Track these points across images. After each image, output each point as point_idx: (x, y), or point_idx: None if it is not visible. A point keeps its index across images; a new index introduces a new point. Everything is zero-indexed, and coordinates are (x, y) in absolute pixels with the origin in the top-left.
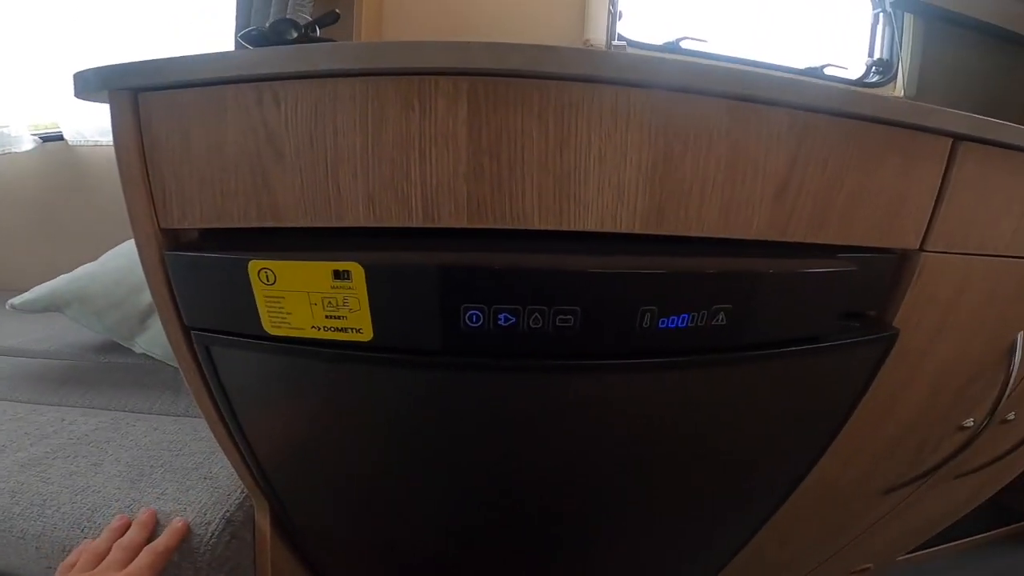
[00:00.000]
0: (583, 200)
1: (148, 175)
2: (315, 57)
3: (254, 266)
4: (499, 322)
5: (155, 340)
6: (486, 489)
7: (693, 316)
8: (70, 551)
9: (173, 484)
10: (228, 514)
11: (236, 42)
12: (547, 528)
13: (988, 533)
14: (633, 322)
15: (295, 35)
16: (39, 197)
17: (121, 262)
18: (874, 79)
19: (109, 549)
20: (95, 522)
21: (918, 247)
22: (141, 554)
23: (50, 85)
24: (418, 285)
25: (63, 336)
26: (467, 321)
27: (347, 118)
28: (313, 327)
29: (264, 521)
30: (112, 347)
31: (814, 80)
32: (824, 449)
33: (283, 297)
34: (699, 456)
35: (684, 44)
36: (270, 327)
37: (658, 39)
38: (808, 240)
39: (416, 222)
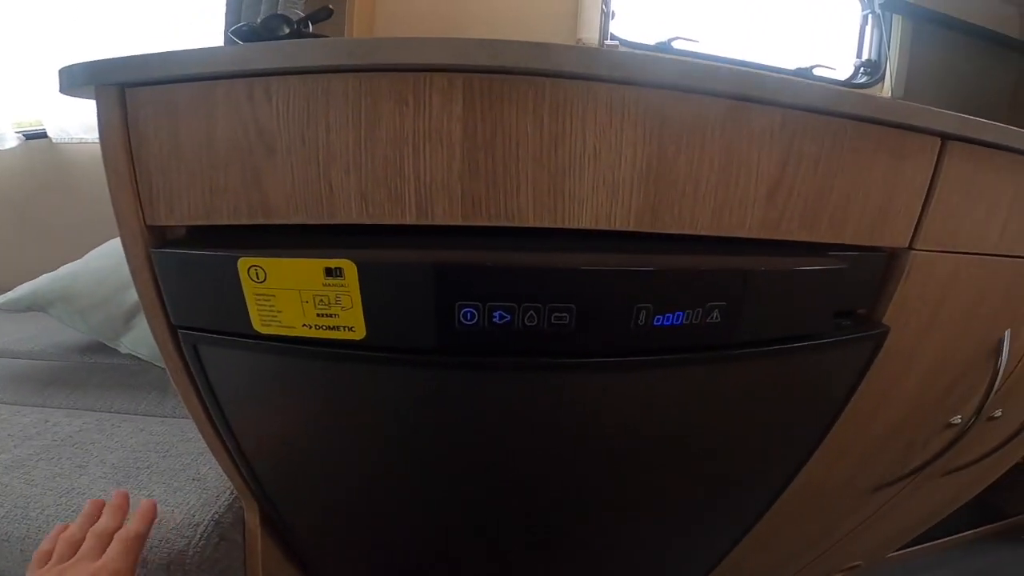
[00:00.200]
0: (578, 197)
1: (135, 171)
2: (308, 52)
3: (244, 263)
4: (494, 320)
5: (141, 340)
6: (479, 489)
7: (688, 314)
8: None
9: (160, 486)
10: (217, 516)
11: (226, 38)
12: (540, 527)
13: (974, 530)
14: (628, 320)
15: (287, 31)
16: (22, 195)
17: (106, 261)
18: (862, 80)
19: (84, 536)
20: None
21: (907, 246)
22: (115, 542)
23: (34, 82)
24: (412, 282)
25: (47, 336)
26: (461, 319)
27: (340, 114)
28: (304, 325)
29: (254, 522)
30: (97, 347)
31: (806, 80)
32: (815, 447)
33: (273, 295)
34: (693, 455)
35: (676, 44)
36: (260, 326)
37: (650, 39)
38: (800, 239)
39: (410, 219)
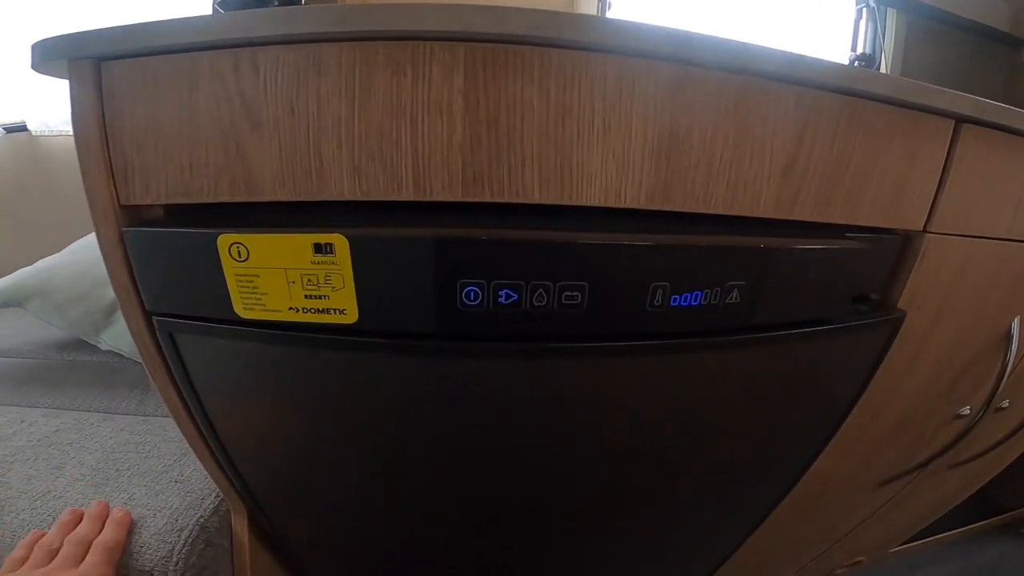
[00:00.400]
0: (586, 173)
1: (108, 148)
2: (298, 20)
3: (224, 240)
4: (500, 300)
5: (122, 336)
6: (483, 484)
7: (707, 293)
8: None
9: (142, 488)
10: (202, 519)
11: (214, 8)
12: (546, 524)
13: (975, 525)
14: (644, 299)
15: (276, 2)
16: (1, 190)
17: (85, 254)
18: None
19: (61, 544)
20: None
21: (922, 228)
22: (92, 550)
23: (13, 74)
24: (410, 259)
25: (24, 333)
26: (464, 299)
27: (332, 84)
28: (291, 309)
29: (242, 526)
30: (76, 344)
31: (822, 60)
32: (829, 438)
33: (257, 275)
34: (709, 444)
35: None
36: (242, 310)
37: None
38: (815, 219)
39: (406, 195)
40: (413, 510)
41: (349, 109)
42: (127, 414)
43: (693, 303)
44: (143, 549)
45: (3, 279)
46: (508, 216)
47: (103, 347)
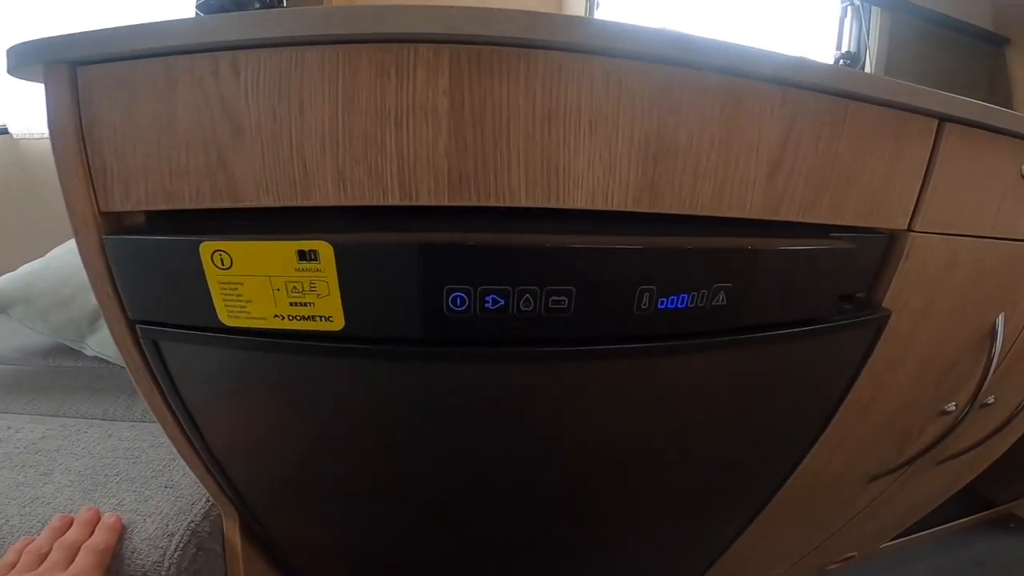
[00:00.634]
0: (573, 175)
1: (86, 155)
2: (279, 23)
3: (207, 248)
4: (486, 305)
5: (107, 342)
6: (472, 487)
7: (693, 296)
8: None
9: (131, 494)
10: (193, 524)
11: (196, 13)
12: (537, 525)
13: (965, 519)
14: (631, 303)
15: (258, 5)
16: None
17: (68, 259)
18: None
19: (50, 548)
20: None
21: (906, 228)
22: (82, 553)
23: None
24: (395, 265)
25: (7, 339)
26: (451, 305)
27: (315, 88)
28: (276, 316)
29: (233, 531)
30: (61, 350)
31: (807, 60)
32: (819, 435)
33: (241, 283)
34: (699, 445)
35: None
36: (227, 318)
37: None
38: (801, 219)
39: (392, 200)
40: (403, 513)
41: (332, 113)
42: (114, 420)
43: (680, 306)
44: (134, 555)
45: None
46: (495, 219)
47: (88, 353)
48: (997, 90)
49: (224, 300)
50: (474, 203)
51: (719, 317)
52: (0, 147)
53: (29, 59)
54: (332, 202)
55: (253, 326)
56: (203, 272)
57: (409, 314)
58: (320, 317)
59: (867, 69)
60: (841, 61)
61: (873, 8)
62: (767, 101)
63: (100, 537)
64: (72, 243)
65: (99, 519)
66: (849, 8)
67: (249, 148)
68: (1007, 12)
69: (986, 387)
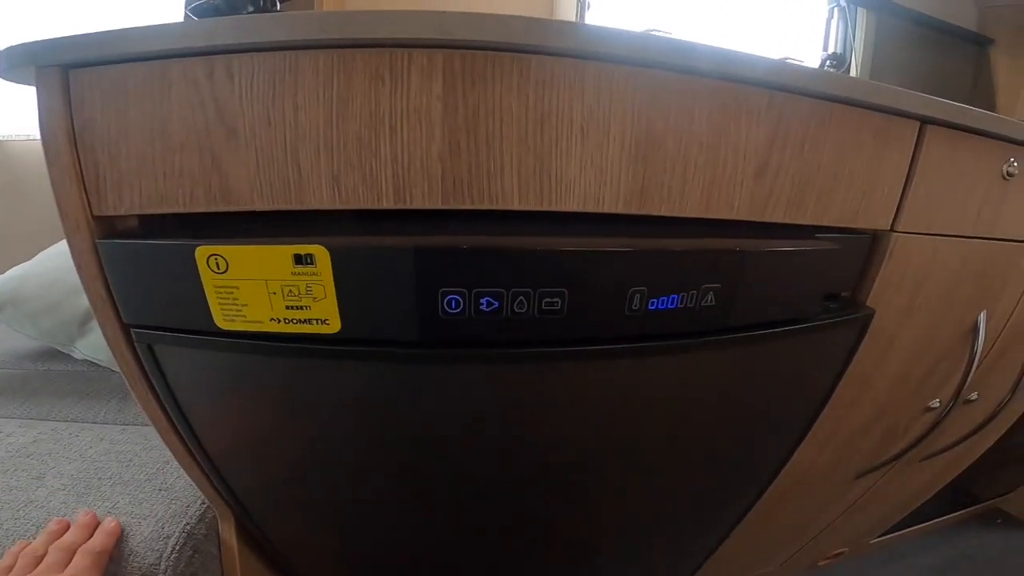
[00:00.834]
0: (565, 179)
1: (79, 158)
2: (274, 27)
3: (202, 252)
4: (481, 307)
5: (97, 345)
6: (468, 487)
7: (683, 297)
8: None
9: (125, 497)
10: (188, 527)
11: (185, 15)
12: (532, 523)
13: (952, 515)
14: (623, 304)
15: (251, 9)
16: None
17: (58, 262)
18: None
19: (47, 551)
20: None
21: (889, 228)
22: (79, 555)
23: None
24: (391, 269)
25: None
26: (446, 307)
27: (309, 92)
28: (272, 319)
29: (229, 533)
30: (51, 354)
31: (793, 64)
32: (805, 432)
33: (237, 287)
34: (688, 442)
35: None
36: (223, 321)
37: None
38: (787, 221)
39: (386, 204)
40: (399, 515)
41: (327, 117)
42: (106, 423)
43: (670, 306)
44: (130, 557)
45: None
46: (489, 222)
47: (78, 356)
48: (981, 90)
49: (220, 304)
50: (468, 207)
51: (708, 317)
52: None
53: (20, 62)
54: (327, 206)
55: (249, 329)
56: (199, 276)
57: (405, 317)
58: (316, 320)
59: (853, 70)
60: (827, 62)
61: (859, 9)
62: (753, 103)
63: (98, 540)
64: (60, 245)
65: (97, 523)
66: (835, 9)
67: (243, 151)
68: (991, 13)
69: (969, 384)
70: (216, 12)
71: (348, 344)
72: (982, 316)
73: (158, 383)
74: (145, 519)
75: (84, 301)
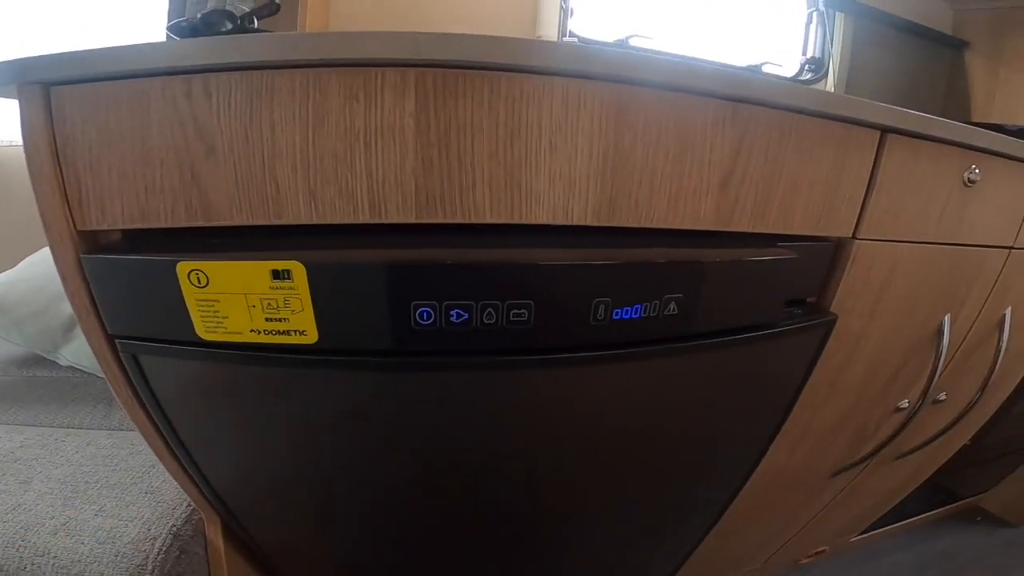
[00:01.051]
0: (535, 192)
1: (61, 174)
2: (251, 48)
3: (183, 268)
4: (451, 319)
5: (82, 351)
6: (443, 491)
7: (646, 306)
8: (5, 571)
9: (112, 500)
10: (175, 529)
11: (166, 35)
12: (507, 526)
13: (932, 513)
14: (587, 314)
15: (229, 27)
16: None
17: (41, 268)
18: (807, 76)
19: None
20: (29, 541)
21: (851, 235)
22: None
23: None
24: (365, 283)
25: None
26: (418, 319)
27: (286, 111)
28: (252, 331)
29: (215, 534)
30: (35, 360)
31: (756, 75)
32: (774, 435)
33: (217, 300)
34: (657, 447)
35: (633, 42)
36: (204, 332)
37: (609, 36)
38: (752, 230)
39: (362, 218)
40: (379, 518)
41: (303, 134)
42: (92, 428)
43: (634, 316)
44: (118, 558)
45: None
46: (463, 234)
47: (63, 363)
48: (957, 93)
49: (201, 316)
50: (441, 220)
51: (672, 325)
52: None
53: (3, 79)
54: (304, 220)
55: (230, 340)
56: (180, 290)
57: (379, 328)
58: (295, 332)
59: (831, 74)
60: (806, 66)
61: (837, 14)
62: (718, 114)
63: None
64: (44, 252)
65: None
66: (814, 14)
67: (222, 168)
68: (966, 16)
69: (935, 385)
70: (195, 32)
71: (325, 354)
72: (946, 319)
73: (143, 391)
74: (132, 521)
75: (68, 308)
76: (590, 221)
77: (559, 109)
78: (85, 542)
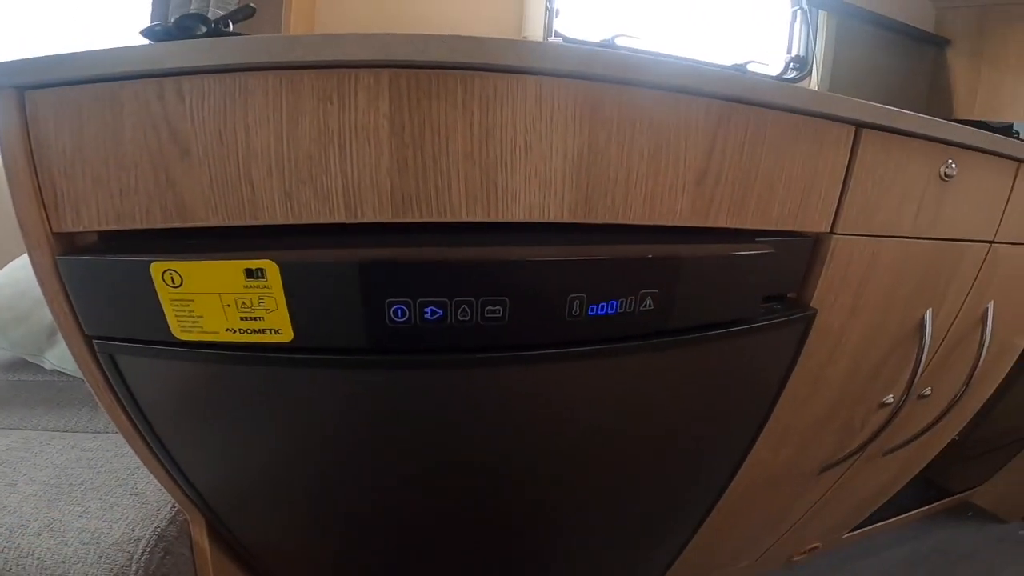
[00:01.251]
0: (510, 190)
1: (36, 177)
2: (223, 51)
3: (157, 268)
4: (426, 316)
5: (66, 355)
6: (424, 488)
7: (622, 302)
8: None
9: (96, 501)
10: (159, 530)
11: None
12: (487, 524)
13: (924, 508)
14: (562, 310)
15: (204, 31)
16: None
17: (25, 273)
18: (791, 75)
19: None
20: (14, 543)
21: (829, 230)
22: None
23: None
24: (338, 281)
25: None
26: (392, 316)
27: (260, 113)
28: (228, 330)
29: (201, 535)
30: (20, 364)
31: (730, 71)
32: (759, 431)
33: (192, 300)
34: (637, 444)
35: (619, 41)
36: (180, 332)
37: (594, 36)
38: (729, 226)
39: (338, 218)
40: (360, 515)
41: (278, 136)
42: (76, 431)
43: (609, 312)
44: (102, 559)
45: None
46: (440, 232)
47: (47, 366)
48: (939, 90)
49: (176, 316)
50: (417, 219)
51: (648, 321)
52: None
53: None
54: (280, 221)
55: (206, 339)
56: (155, 290)
57: (353, 326)
58: (270, 330)
59: (815, 72)
60: (791, 64)
61: (820, 13)
62: (692, 112)
63: None
64: (26, 256)
65: None
66: (798, 13)
67: (197, 170)
68: (948, 14)
69: (919, 380)
70: (168, 36)
71: (301, 352)
72: (928, 314)
73: (121, 392)
74: (116, 522)
75: None
76: (567, 218)
77: (533, 108)
78: (69, 543)
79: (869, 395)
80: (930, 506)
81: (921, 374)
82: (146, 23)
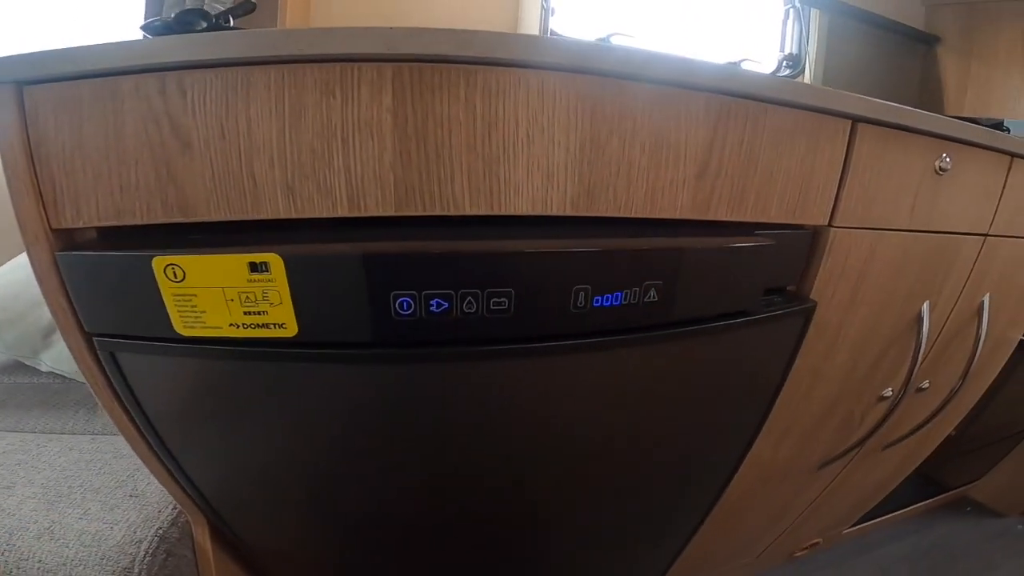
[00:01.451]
0: (513, 183)
1: (36, 173)
2: (225, 45)
3: (159, 263)
4: (431, 309)
5: (62, 356)
6: (429, 483)
7: (626, 293)
8: None
9: (96, 503)
10: (161, 531)
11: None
12: (492, 517)
13: (923, 503)
14: (567, 302)
15: (204, 26)
16: None
17: (19, 274)
18: (785, 72)
19: None
20: (14, 545)
21: (827, 223)
22: None
23: None
24: (343, 274)
25: None
26: (397, 309)
27: (262, 107)
28: (231, 325)
29: (203, 536)
30: (15, 367)
31: (728, 67)
32: (760, 424)
33: (195, 295)
34: (642, 437)
35: (614, 39)
36: (182, 328)
37: (590, 35)
38: (730, 219)
39: (341, 212)
40: (366, 513)
41: (280, 130)
42: (74, 433)
43: (614, 303)
44: (104, 562)
45: None
46: (443, 224)
47: (43, 369)
48: (930, 87)
49: (179, 311)
50: (421, 213)
51: (652, 312)
52: None
53: None
54: (283, 215)
55: (209, 335)
56: (157, 285)
57: (358, 319)
58: (274, 325)
59: (807, 69)
60: (784, 62)
61: (812, 11)
62: (692, 107)
63: None
64: (21, 258)
65: None
66: (791, 11)
67: (198, 164)
68: (937, 12)
69: (918, 373)
70: (168, 30)
71: (305, 347)
72: (925, 306)
73: (122, 390)
74: (117, 524)
75: (47, 313)
76: (569, 211)
77: (535, 101)
78: (70, 546)
79: (868, 388)
80: (929, 501)
81: (919, 367)
82: (137, 20)
